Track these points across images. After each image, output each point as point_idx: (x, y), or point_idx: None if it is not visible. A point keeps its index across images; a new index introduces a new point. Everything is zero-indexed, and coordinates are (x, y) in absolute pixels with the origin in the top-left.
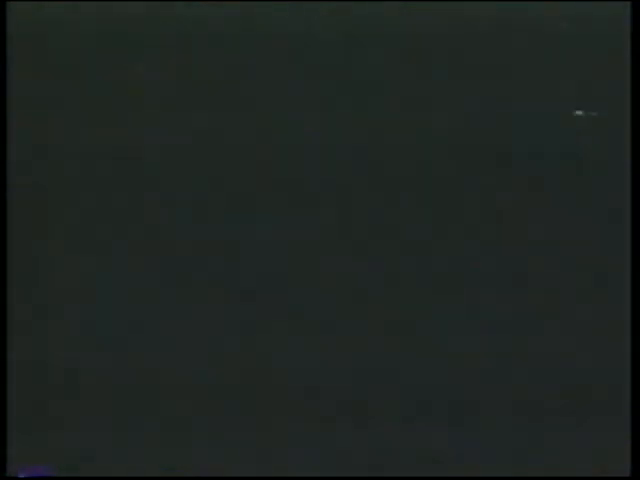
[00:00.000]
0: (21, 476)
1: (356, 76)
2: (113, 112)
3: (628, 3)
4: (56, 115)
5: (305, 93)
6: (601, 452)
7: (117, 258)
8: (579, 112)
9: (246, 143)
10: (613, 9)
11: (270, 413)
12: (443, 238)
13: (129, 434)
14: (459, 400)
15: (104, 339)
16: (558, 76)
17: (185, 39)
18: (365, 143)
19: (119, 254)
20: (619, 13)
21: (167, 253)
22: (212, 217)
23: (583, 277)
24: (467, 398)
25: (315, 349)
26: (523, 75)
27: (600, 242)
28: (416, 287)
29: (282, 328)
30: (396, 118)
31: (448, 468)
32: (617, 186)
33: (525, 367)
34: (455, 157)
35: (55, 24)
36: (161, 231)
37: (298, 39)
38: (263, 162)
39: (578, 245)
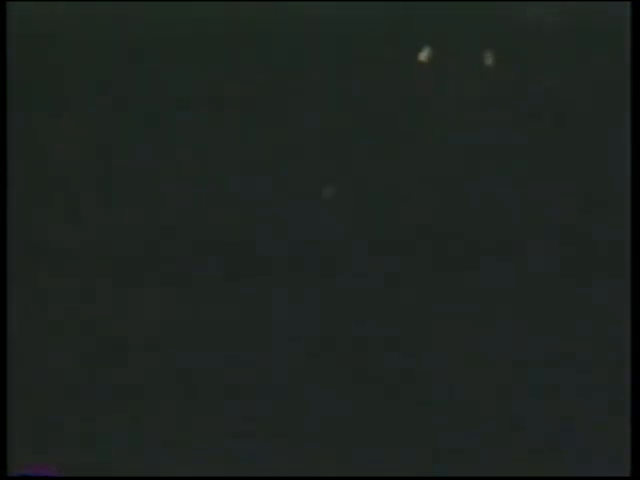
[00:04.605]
0: (23, 476)
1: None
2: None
3: (628, 3)
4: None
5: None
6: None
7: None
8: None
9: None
10: (613, 9)
11: None
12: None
13: None
14: None
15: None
16: (557, 75)
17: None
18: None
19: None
20: (619, 13)
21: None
22: None
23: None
24: None
25: None
26: (521, 75)
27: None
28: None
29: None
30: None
31: None
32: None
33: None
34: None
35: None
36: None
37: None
38: None
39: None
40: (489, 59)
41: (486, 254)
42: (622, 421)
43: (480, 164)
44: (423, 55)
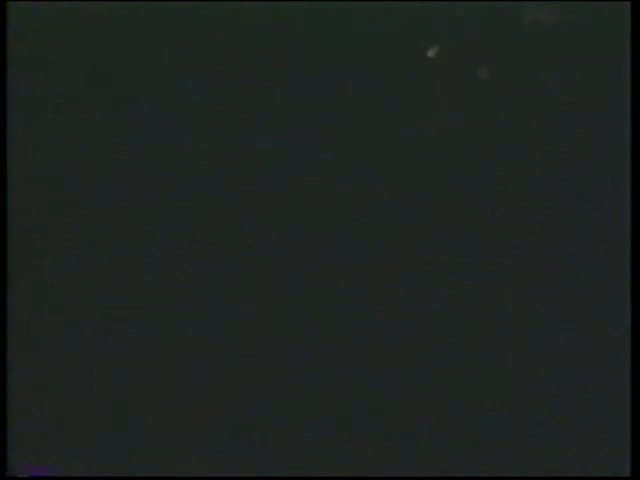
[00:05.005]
0: (23, 476)
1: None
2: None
3: (628, 3)
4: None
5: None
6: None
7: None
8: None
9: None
10: (613, 9)
11: None
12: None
13: None
14: None
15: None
16: (557, 75)
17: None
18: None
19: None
20: (619, 13)
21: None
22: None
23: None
24: None
25: None
26: (521, 75)
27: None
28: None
29: None
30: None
31: None
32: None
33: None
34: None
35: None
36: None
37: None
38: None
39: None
40: (484, 73)
41: (487, 252)
42: (622, 420)
43: (479, 163)
44: (431, 51)
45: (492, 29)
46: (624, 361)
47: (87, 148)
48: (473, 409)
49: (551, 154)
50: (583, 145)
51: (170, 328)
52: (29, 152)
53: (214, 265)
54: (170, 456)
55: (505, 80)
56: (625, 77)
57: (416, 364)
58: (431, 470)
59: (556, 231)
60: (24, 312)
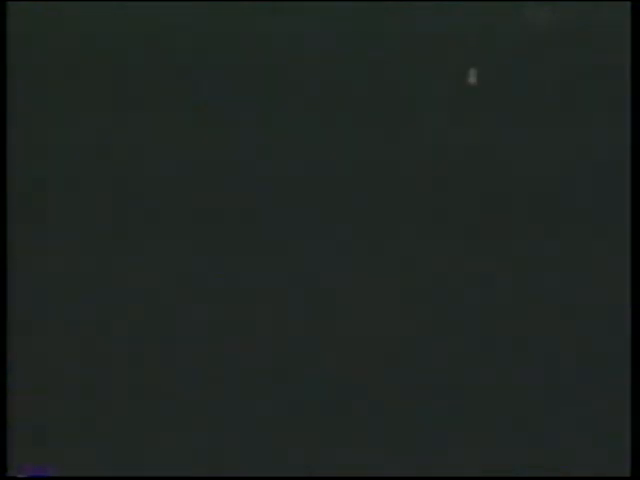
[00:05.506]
0: (21, 476)
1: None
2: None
3: (628, 3)
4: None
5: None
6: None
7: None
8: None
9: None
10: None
11: None
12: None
13: None
14: None
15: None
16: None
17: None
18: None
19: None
20: (619, 13)
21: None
22: None
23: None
24: None
25: None
26: (522, 75)
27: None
28: None
29: None
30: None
31: None
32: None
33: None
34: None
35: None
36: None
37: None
38: None
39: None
40: (473, 78)
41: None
42: (622, 420)
43: (479, 160)
44: (472, 77)
45: (492, 29)
46: (624, 361)
47: (86, 147)
48: (473, 409)
49: (551, 153)
50: (583, 144)
51: (171, 328)
52: (29, 151)
53: (214, 263)
54: (170, 455)
55: (505, 80)
56: (625, 77)
57: (415, 364)
58: (431, 470)
59: (556, 230)
60: (24, 311)
